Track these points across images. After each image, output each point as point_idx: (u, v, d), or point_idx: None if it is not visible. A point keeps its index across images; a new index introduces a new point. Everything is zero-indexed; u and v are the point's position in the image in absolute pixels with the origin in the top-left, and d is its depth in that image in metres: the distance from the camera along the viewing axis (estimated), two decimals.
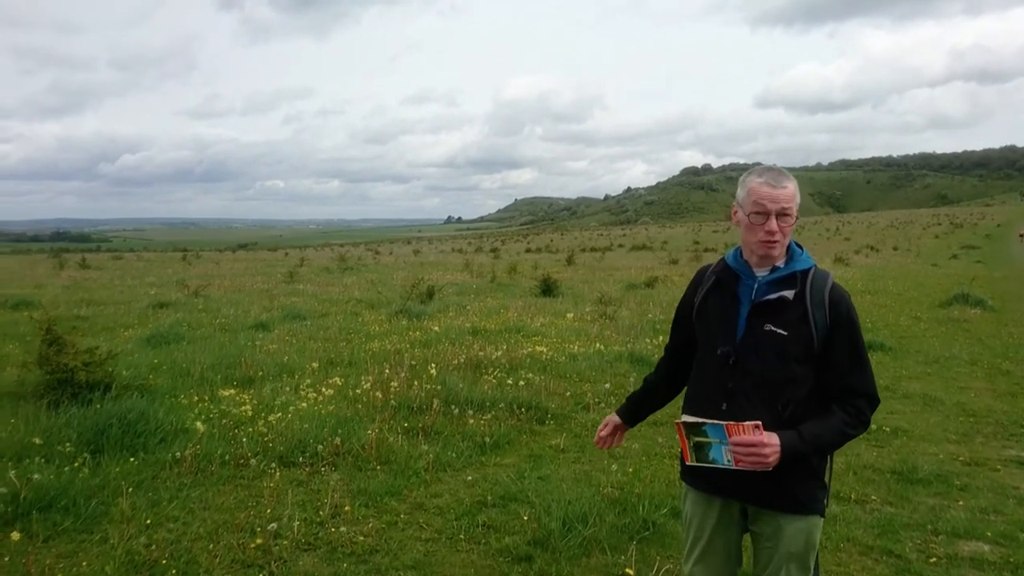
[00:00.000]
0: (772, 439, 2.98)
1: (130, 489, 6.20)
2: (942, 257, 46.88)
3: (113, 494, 6.14)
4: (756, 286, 3.21)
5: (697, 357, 3.41)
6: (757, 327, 3.16)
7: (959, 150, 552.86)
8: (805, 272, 3.21)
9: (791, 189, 3.16)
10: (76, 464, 6.65)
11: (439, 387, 9.47)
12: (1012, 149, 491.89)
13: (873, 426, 8.59)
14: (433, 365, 10.85)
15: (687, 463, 3.17)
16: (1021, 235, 70.44)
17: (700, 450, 3.11)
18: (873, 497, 6.55)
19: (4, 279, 33.27)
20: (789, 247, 3.26)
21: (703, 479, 3.31)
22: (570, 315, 17.45)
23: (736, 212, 3.28)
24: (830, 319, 3.14)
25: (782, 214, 3.11)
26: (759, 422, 3.00)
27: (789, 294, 3.15)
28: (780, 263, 3.23)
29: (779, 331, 3.13)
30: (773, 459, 2.97)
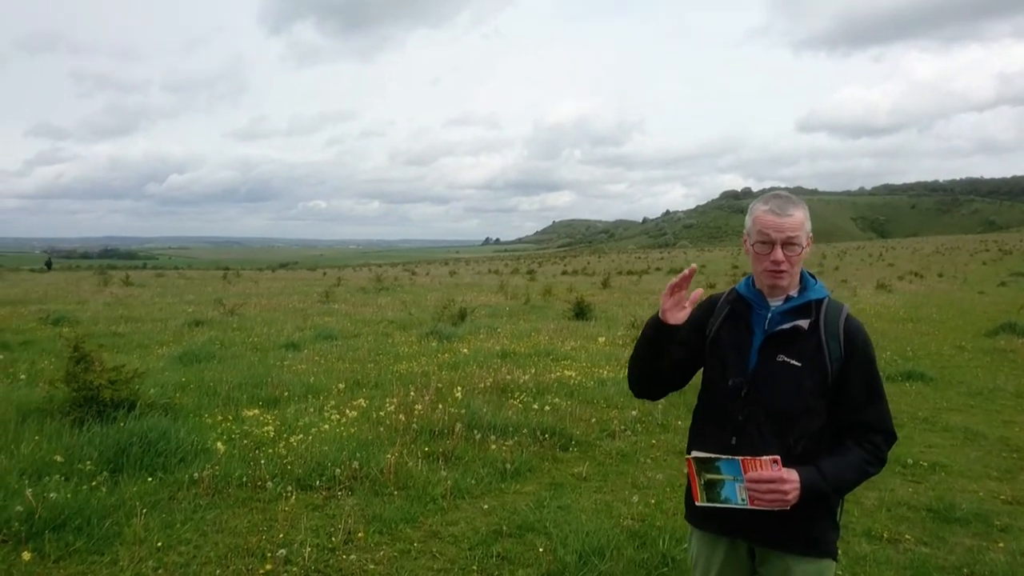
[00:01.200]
0: (792, 475, 2.91)
1: (145, 510, 6.20)
2: (990, 284, 46.27)
3: (128, 514, 6.14)
4: (769, 316, 3.16)
5: (703, 389, 3.34)
6: (770, 358, 3.11)
7: (1008, 175, 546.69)
8: (819, 302, 3.15)
9: (798, 217, 3.08)
10: (94, 483, 6.66)
11: (463, 411, 9.43)
12: None
13: (910, 460, 8.47)
14: (459, 388, 10.83)
15: (697, 503, 3.06)
16: None
17: (712, 489, 3.01)
18: (907, 536, 6.38)
19: (50, 295, 33.60)
20: (802, 276, 3.20)
21: (710, 519, 3.23)
22: (602, 339, 17.36)
23: (745, 240, 3.23)
24: (845, 351, 3.08)
25: (788, 243, 3.05)
26: (777, 456, 2.92)
27: (804, 323, 3.10)
28: (793, 292, 3.18)
29: (793, 362, 3.07)
30: (793, 496, 2.90)
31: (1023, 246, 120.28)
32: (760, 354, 3.13)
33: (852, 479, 3.04)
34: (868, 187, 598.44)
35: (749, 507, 2.93)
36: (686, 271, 3.02)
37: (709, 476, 3.01)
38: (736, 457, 2.97)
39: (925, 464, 8.42)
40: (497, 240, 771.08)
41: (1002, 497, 7.42)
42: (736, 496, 2.95)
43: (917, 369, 13.64)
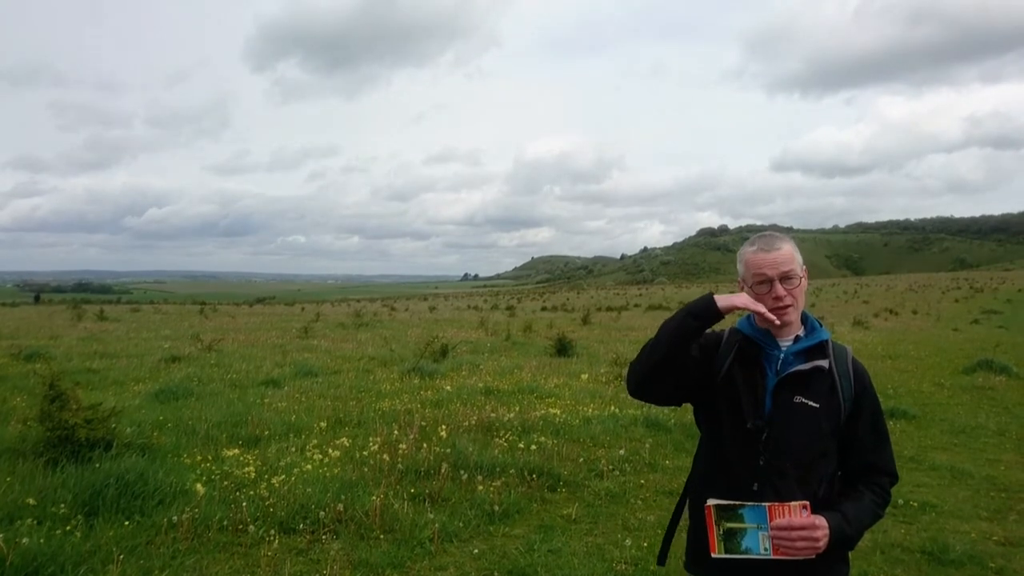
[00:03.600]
0: (823, 521, 2.83)
1: (122, 556, 5.94)
2: (963, 322, 46.48)
3: (104, 561, 5.89)
4: (782, 357, 3.06)
5: (713, 432, 3.19)
6: (787, 400, 3.01)
7: (977, 214, 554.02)
8: (826, 342, 3.10)
9: (787, 250, 3.08)
10: (69, 527, 6.41)
11: (448, 450, 9.26)
12: None
13: (900, 500, 8.36)
14: (444, 426, 10.62)
15: (713, 555, 2.86)
16: None
17: (731, 539, 2.83)
18: None
19: (22, 329, 33.21)
20: (804, 317, 3.15)
21: (715, 569, 3.03)
22: (585, 376, 17.19)
23: (742, 287, 3.18)
24: (856, 391, 3.03)
25: (785, 277, 3.04)
26: (807, 502, 2.82)
27: (824, 363, 3.04)
28: (800, 332, 3.12)
29: (811, 403, 3.00)
30: (823, 544, 2.80)
31: (993, 284, 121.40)
32: (775, 396, 3.03)
33: (868, 523, 2.97)
34: (842, 225, 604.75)
35: (772, 557, 2.78)
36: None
37: (729, 525, 2.84)
38: (762, 504, 2.83)
39: (915, 504, 8.31)
40: (476, 276, 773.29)
41: (994, 538, 7.30)
42: (759, 546, 2.79)
43: (899, 407, 13.58)
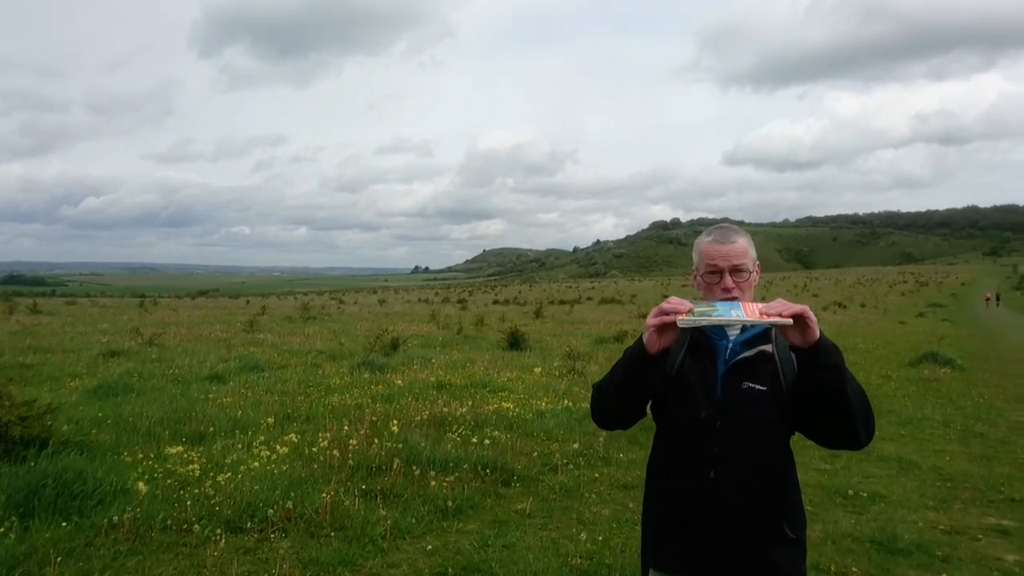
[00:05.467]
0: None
1: (59, 558, 5.75)
2: (909, 315, 47.27)
3: (40, 563, 5.70)
4: (730, 346, 3.14)
5: (668, 424, 3.23)
6: (736, 387, 3.08)
7: (923, 209, 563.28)
8: (770, 329, 3.12)
9: (741, 244, 3.18)
10: (2, 529, 6.21)
11: (400, 446, 9.13)
12: (974, 209, 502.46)
13: (850, 491, 8.49)
14: (395, 421, 10.49)
15: (679, 322, 2.86)
16: (988, 298, 71.85)
17: (700, 312, 2.87)
18: (854, 569, 6.29)
19: None
20: None
21: (669, 557, 3.14)
22: (538, 370, 17.15)
23: (695, 276, 3.30)
24: (797, 369, 3.03)
25: (736, 270, 3.14)
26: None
27: (768, 348, 3.12)
28: None
29: (758, 387, 3.06)
30: (814, 321, 2.81)
31: (938, 278, 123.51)
32: (725, 384, 3.10)
33: (855, 386, 2.93)
34: (792, 219, 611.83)
35: (745, 319, 2.83)
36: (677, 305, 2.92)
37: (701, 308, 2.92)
38: (736, 301, 3.02)
39: (865, 495, 8.42)
40: (426, 268, 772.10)
41: (941, 527, 7.43)
42: (730, 312, 2.86)
43: None
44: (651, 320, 2.89)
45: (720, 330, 3.16)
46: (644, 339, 2.96)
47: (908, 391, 15.99)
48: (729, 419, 3.04)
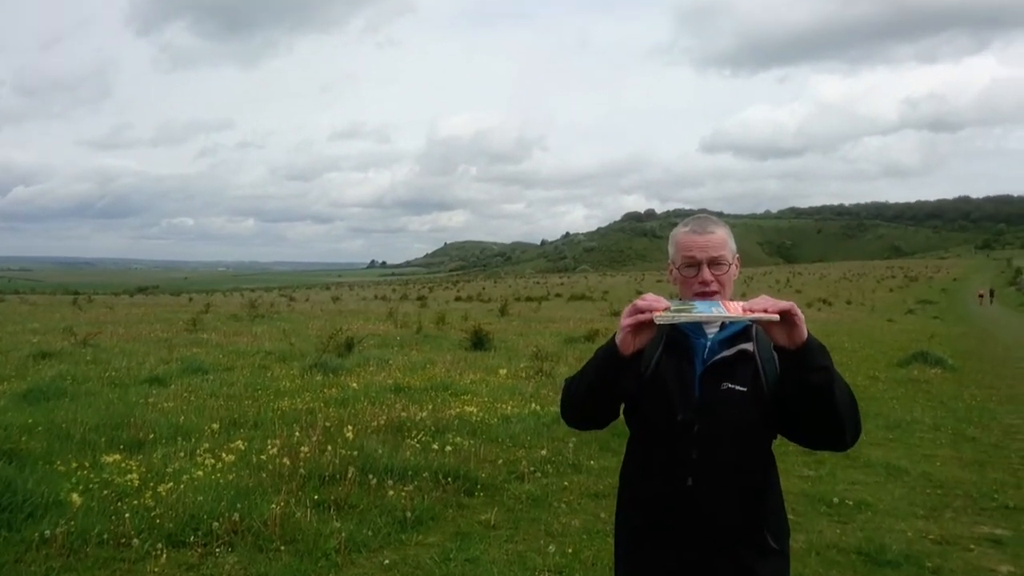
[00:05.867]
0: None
1: None
2: (897, 312, 47.68)
3: None
4: (708, 345, 3.15)
5: (642, 428, 3.25)
6: (714, 388, 3.09)
7: (913, 200, 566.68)
8: (751, 326, 3.14)
9: (720, 235, 3.19)
10: None
11: (355, 453, 9.14)
12: (966, 200, 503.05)
13: (835, 499, 8.55)
14: (350, 427, 10.45)
15: (656, 319, 2.85)
16: (981, 295, 72.71)
17: (679, 308, 2.88)
18: None
19: None
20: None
21: (644, 568, 3.17)
22: (503, 371, 17.22)
23: (671, 270, 3.32)
24: (780, 369, 3.04)
25: (714, 263, 3.14)
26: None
27: (748, 346, 3.13)
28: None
29: (738, 388, 3.07)
30: (801, 319, 2.80)
31: (928, 272, 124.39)
32: (703, 385, 3.10)
33: (843, 387, 2.95)
34: (774, 210, 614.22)
35: (727, 315, 2.84)
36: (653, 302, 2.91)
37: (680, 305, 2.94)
38: (717, 301, 3.01)
39: (850, 503, 8.48)
40: (383, 263, 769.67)
41: (931, 537, 7.49)
42: (709, 309, 2.88)
43: None
44: (625, 320, 2.89)
45: (698, 328, 3.17)
46: (617, 340, 2.95)
47: (896, 393, 16.15)
48: (707, 422, 3.05)
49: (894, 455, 10.80)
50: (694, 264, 3.13)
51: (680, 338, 3.18)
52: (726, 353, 3.10)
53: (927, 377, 18.22)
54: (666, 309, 2.83)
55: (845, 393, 2.92)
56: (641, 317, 2.84)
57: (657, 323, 2.83)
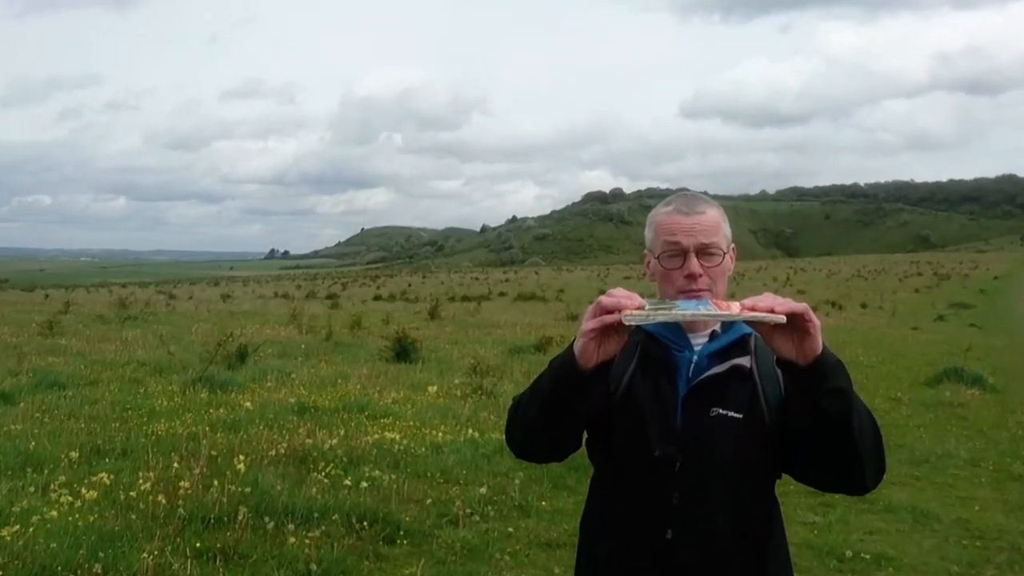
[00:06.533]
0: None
1: None
2: (925, 318, 48.01)
3: None
4: (694, 359, 3.03)
5: (609, 465, 3.17)
6: (701, 413, 2.96)
7: (944, 179, 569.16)
8: (749, 335, 3.07)
9: (711, 217, 3.07)
10: None
11: (248, 489, 9.14)
12: (1010, 179, 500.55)
13: (848, 552, 8.51)
14: (241, 457, 10.46)
15: (624, 318, 2.66)
16: None
17: (656, 306, 2.73)
18: None
19: None
20: None
21: None
22: (433, 389, 17.19)
23: (648, 260, 3.21)
24: (784, 390, 2.96)
25: (704, 251, 3.02)
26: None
27: (745, 361, 3.02)
28: (718, 326, 3.08)
29: (732, 414, 2.96)
30: (815, 324, 2.63)
31: (963, 269, 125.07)
32: (687, 410, 2.99)
33: (860, 406, 2.82)
34: (772, 191, 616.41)
35: (719, 315, 2.72)
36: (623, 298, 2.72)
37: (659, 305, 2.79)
38: (706, 299, 2.89)
39: (867, 556, 8.45)
40: (286, 253, 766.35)
41: None
42: (695, 306, 2.74)
43: None
44: (588, 323, 2.72)
45: (681, 337, 3.08)
46: (576, 349, 2.77)
47: (924, 419, 16.01)
48: (692, 458, 2.94)
49: (922, 497, 10.77)
50: (678, 253, 3.01)
51: (658, 350, 3.08)
52: (717, 369, 2.99)
53: (962, 399, 17.92)
54: (640, 308, 2.66)
55: (867, 423, 2.80)
56: (608, 318, 2.66)
57: (627, 324, 2.66)
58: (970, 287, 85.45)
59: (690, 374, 3.02)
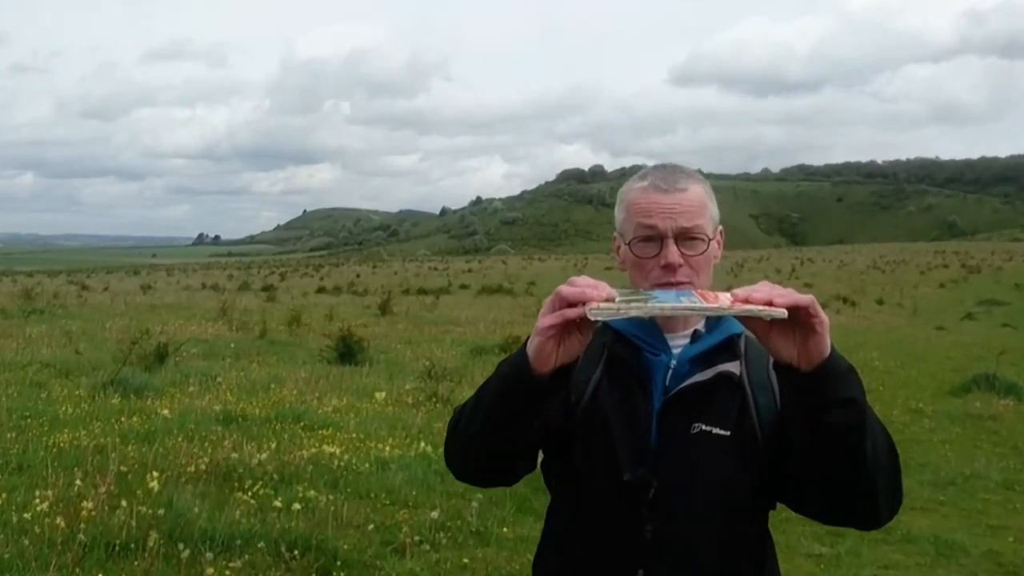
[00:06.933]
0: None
1: None
2: (951, 317, 48.25)
3: None
4: (673, 364, 2.91)
5: (571, 491, 3.03)
6: (680, 430, 2.84)
7: (974, 156, 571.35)
8: (739, 336, 2.95)
9: (695, 194, 2.93)
10: None
11: (161, 511, 9.03)
12: None
13: None
14: (155, 474, 10.37)
15: (589, 312, 2.43)
16: None
17: (628, 298, 2.50)
18: None
19: None
20: None
21: None
22: (381, 395, 17.07)
23: (618, 246, 3.08)
24: (780, 402, 2.85)
25: (686, 236, 2.87)
26: None
27: (734, 367, 2.89)
28: (701, 325, 2.96)
29: (718, 431, 2.83)
30: (823, 319, 2.45)
31: (995, 261, 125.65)
32: (663, 426, 2.86)
33: (875, 421, 2.65)
34: (775, 169, 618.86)
35: (705, 307, 2.48)
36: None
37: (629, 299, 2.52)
38: (692, 290, 2.66)
39: None
40: (217, 238, 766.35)
41: None
42: (676, 299, 2.52)
43: None
44: (546, 318, 2.54)
45: (658, 337, 2.96)
46: (530, 350, 2.61)
47: (949, 434, 16.01)
48: (670, 483, 2.82)
49: (946, 525, 10.73)
50: (655, 238, 2.86)
51: (630, 353, 2.95)
52: (700, 377, 2.86)
53: (994, 411, 17.78)
54: (609, 300, 2.44)
55: (882, 443, 2.64)
56: (569, 313, 2.47)
57: (593, 319, 2.43)
58: (1004, 281, 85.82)
59: (667, 382, 2.91)
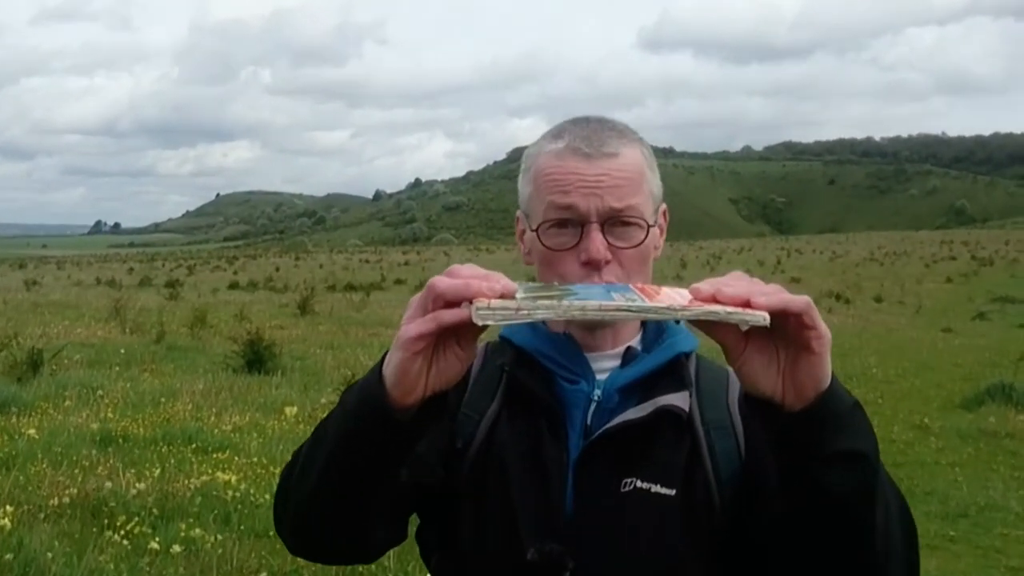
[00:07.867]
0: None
1: None
2: (960, 317, 48.53)
3: None
4: (598, 395, 2.41)
5: (456, 568, 2.51)
6: (607, 488, 2.34)
7: (986, 132, 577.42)
8: (688, 356, 2.47)
9: (631, 160, 2.41)
10: None
11: (10, 556, 8.75)
12: None
13: None
14: (9, 508, 10.06)
15: (479, 311, 1.81)
16: None
17: (537, 293, 1.93)
18: None
19: None
20: None
21: None
22: (292, 410, 16.89)
23: (522, 231, 2.60)
24: (745, 444, 2.38)
25: (617, 221, 2.36)
26: None
27: (681, 400, 2.39)
28: (636, 340, 2.50)
29: (659, 489, 2.32)
30: (820, 327, 1.85)
31: (1010, 252, 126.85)
32: (582, 481, 2.37)
33: (888, 484, 2.10)
34: (759, 147, 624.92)
35: (648, 307, 1.84)
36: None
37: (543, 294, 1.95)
38: (629, 285, 2.07)
39: None
40: (117, 226, 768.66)
41: None
42: (607, 294, 1.93)
43: None
44: (411, 325, 1.93)
45: (575, 357, 2.48)
46: (388, 371, 2.00)
47: (960, 456, 15.88)
48: (592, 562, 2.32)
49: (958, 566, 10.59)
50: (571, 221, 2.36)
51: (536, 380, 2.47)
52: (634, 414, 2.36)
53: (1011, 428, 17.68)
54: (506, 295, 1.86)
55: (896, 512, 2.11)
56: (447, 316, 1.88)
57: (480, 323, 1.82)
58: (1020, 275, 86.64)
59: (589, 421, 2.41)
